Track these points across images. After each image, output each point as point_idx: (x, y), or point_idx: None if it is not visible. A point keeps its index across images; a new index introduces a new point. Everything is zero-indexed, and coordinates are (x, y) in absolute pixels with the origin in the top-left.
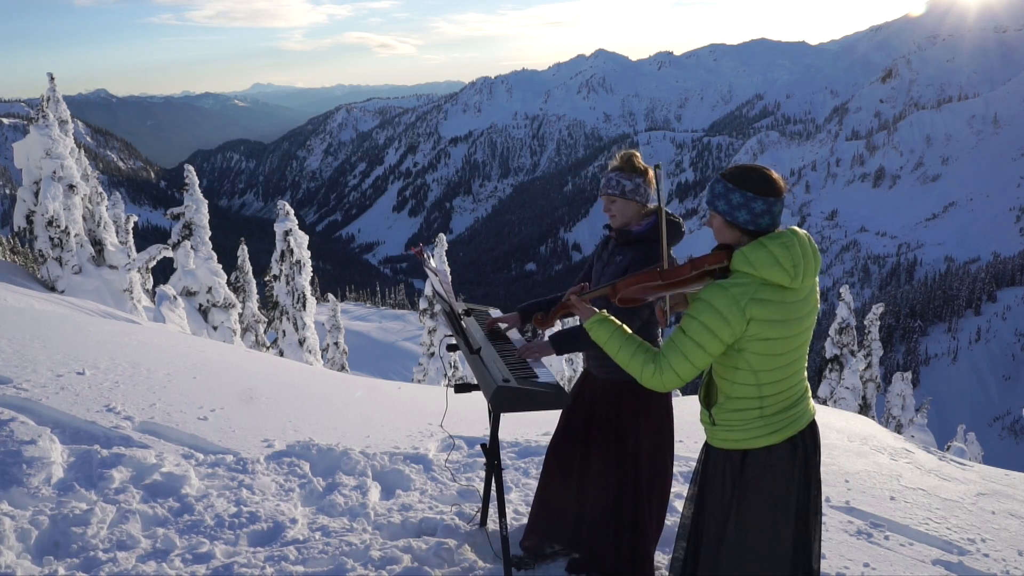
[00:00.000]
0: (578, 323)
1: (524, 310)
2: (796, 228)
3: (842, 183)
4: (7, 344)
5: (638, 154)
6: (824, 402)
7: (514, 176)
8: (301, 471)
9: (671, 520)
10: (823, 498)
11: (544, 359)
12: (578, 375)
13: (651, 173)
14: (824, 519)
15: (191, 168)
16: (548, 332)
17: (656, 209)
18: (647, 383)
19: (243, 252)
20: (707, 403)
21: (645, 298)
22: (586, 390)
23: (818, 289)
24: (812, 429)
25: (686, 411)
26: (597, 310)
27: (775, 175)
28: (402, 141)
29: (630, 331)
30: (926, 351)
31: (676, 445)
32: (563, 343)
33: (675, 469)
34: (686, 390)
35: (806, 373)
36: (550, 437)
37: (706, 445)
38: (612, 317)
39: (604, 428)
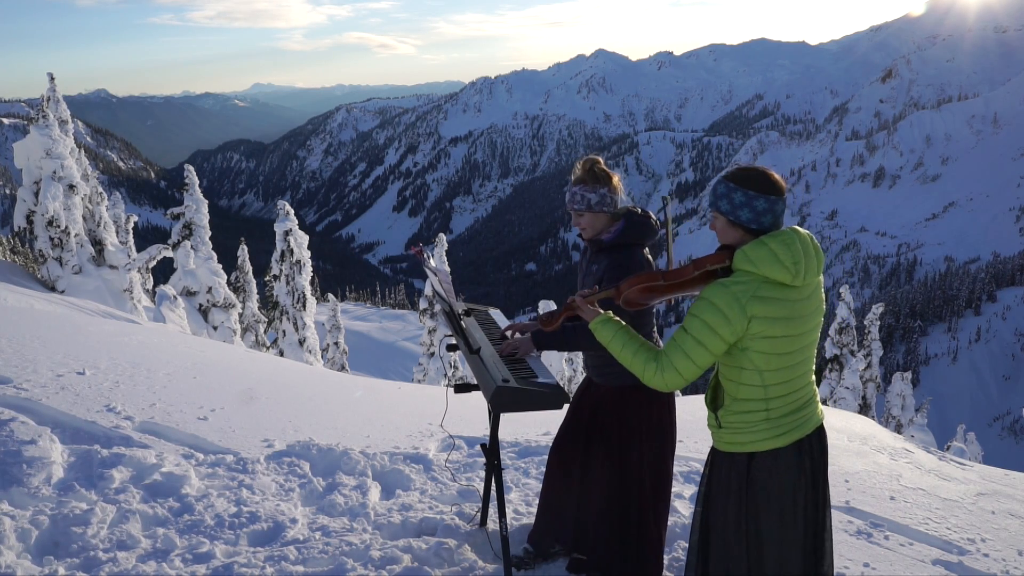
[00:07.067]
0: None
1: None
2: (797, 227)
3: (842, 183)
4: (7, 344)
5: (600, 160)
6: (824, 402)
7: (514, 176)
8: (301, 471)
9: (671, 520)
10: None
11: (545, 359)
12: (580, 378)
13: (615, 179)
14: None
15: (191, 168)
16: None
17: (625, 212)
18: (649, 382)
19: (243, 252)
20: (714, 406)
21: (650, 300)
22: (588, 397)
23: (823, 288)
24: (820, 434)
25: (686, 411)
26: (602, 311)
27: (775, 175)
28: (402, 141)
29: (633, 332)
30: (926, 351)
31: (676, 445)
32: (543, 341)
33: (675, 469)
34: (687, 390)
35: (814, 377)
36: (551, 437)
37: (712, 450)
38: (616, 318)
39: (606, 434)
